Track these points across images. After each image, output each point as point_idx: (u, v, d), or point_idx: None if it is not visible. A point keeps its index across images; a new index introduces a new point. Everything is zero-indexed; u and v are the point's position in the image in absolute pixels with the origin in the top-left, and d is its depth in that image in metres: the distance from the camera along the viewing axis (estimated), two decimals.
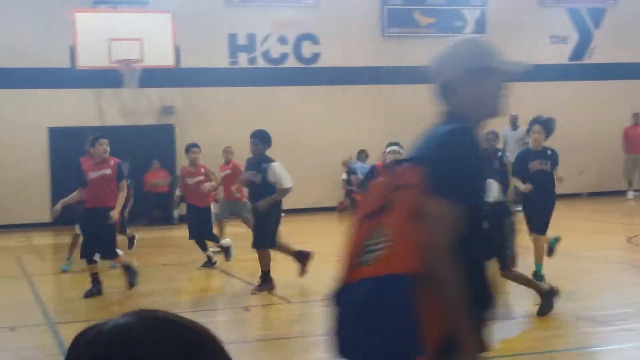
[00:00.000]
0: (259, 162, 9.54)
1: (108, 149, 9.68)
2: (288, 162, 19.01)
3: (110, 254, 9.64)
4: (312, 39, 20.96)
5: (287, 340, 7.44)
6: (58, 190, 16.40)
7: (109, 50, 17.47)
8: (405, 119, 20.86)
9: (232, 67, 20.40)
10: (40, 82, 18.86)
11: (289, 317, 8.47)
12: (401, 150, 9.11)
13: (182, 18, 18.46)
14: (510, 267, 7.79)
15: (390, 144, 9.78)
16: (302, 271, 9.74)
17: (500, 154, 9.69)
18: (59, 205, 10.22)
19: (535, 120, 9.50)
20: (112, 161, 9.72)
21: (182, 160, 19.67)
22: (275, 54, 20.77)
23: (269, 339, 7.50)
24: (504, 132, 18.69)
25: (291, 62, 20.88)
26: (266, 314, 8.71)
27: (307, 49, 20.97)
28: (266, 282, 9.37)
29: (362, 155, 20.58)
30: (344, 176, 20.51)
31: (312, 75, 20.89)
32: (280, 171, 9.49)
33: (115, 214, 9.37)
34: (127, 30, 17.67)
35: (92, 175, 9.56)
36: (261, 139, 9.61)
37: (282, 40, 20.78)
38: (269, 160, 9.56)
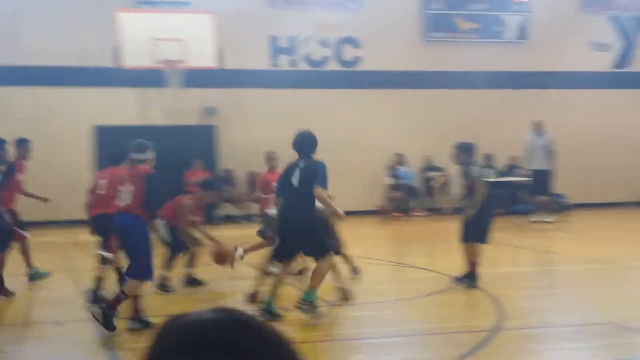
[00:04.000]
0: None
1: None
2: (330, 165, 19.12)
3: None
4: (354, 42, 21.00)
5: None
6: None
7: (153, 50, 17.65)
8: (445, 124, 20.86)
9: (273, 69, 20.51)
10: (86, 81, 19.11)
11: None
12: None
13: (224, 19, 18.59)
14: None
15: None
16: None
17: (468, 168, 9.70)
18: None
19: None
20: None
21: (223, 161, 19.83)
22: (316, 56, 20.84)
23: None
24: (527, 139, 18.54)
25: (332, 65, 20.94)
26: None
27: (348, 52, 21.01)
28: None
29: (401, 159, 20.59)
30: (388, 180, 20.50)
31: (353, 78, 20.94)
32: None
33: None
34: (169, 30, 17.86)
35: None
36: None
37: (324, 43, 20.84)
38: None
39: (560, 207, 19.60)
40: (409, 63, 21.24)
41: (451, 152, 10.22)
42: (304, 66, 20.78)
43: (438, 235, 16.84)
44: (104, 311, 7.47)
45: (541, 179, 18.01)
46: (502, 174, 21.18)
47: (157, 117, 19.53)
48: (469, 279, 9.80)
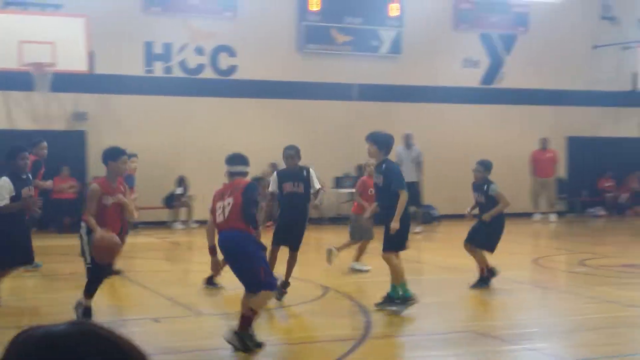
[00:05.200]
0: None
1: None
2: (203, 173, 18.97)
3: None
4: (229, 51, 20.91)
5: (198, 352, 7.36)
6: None
7: (20, 52, 17.05)
8: (320, 135, 21.04)
9: (147, 76, 20.17)
10: None
11: (198, 330, 8.37)
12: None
13: (97, 23, 18.17)
14: None
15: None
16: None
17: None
18: None
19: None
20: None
21: (93, 168, 19.32)
22: (191, 64, 20.63)
23: (179, 352, 7.40)
24: (397, 152, 19.05)
25: (208, 73, 20.78)
26: (176, 326, 8.59)
27: (224, 61, 20.90)
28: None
29: (275, 168, 20.59)
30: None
31: (228, 87, 20.84)
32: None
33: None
34: (39, 33, 17.29)
35: None
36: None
37: (199, 50, 20.66)
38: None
39: (428, 218, 20.06)
40: (285, 73, 21.32)
41: (473, 169, 11.05)
42: (179, 73, 20.53)
43: (310, 244, 16.90)
44: (237, 335, 7.07)
45: (410, 191, 18.37)
46: None
47: (23, 121, 18.87)
48: (484, 281, 10.53)
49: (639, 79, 22.93)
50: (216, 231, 7.35)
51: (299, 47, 21.45)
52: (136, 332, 7.76)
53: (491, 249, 10.74)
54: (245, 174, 7.59)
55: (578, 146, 23.92)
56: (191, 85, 20.48)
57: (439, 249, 16.35)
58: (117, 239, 8.04)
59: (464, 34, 22.88)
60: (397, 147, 19.56)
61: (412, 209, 18.95)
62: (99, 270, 8.21)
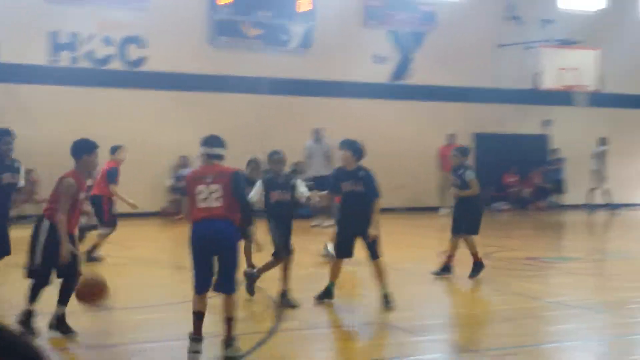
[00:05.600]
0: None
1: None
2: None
3: None
4: (139, 42, 20.61)
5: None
6: None
7: None
8: (230, 128, 20.91)
9: (52, 66, 19.70)
10: None
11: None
12: None
13: (1, 11, 17.65)
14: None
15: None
16: None
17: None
18: None
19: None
20: None
21: None
22: (99, 54, 20.25)
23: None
24: (307, 145, 19.41)
25: (116, 65, 20.43)
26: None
27: (133, 52, 20.58)
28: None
29: (185, 161, 20.43)
30: (171, 182, 20.35)
31: (137, 78, 20.54)
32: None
33: None
34: None
35: None
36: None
37: (107, 41, 20.29)
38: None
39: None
40: (196, 66, 21.14)
41: (451, 155, 11.54)
42: (86, 64, 20.12)
43: None
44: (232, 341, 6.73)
45: (323, 185, 18.54)
46: None
47: None
48: (477, 269, 11.13)
49: (541, 77, 23.59)
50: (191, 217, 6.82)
51: (210, 40, 21.30)
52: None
53: (475, 231, 11.41)
54: (223, 157, 7.00)
55: (484, 142, 24.48)
56: (99, 76, 20.11)
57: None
58: (101, 278, 7.43)
59: (373, 30, 23.12)
60: (307, 142, 19.77)
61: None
62: (47, 274, 7.44)
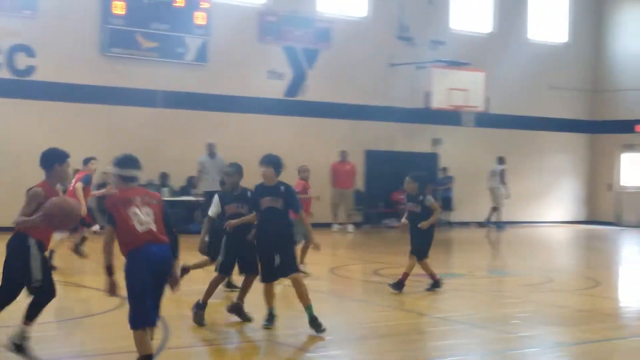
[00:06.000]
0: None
1: None
2: None
3: None
4: (28, 50, 20.11)
5: None
6: None
7: None
8: (123, 141, 20.61)
9: None
10: None
11: None
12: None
13: None
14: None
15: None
16: None
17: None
18: None
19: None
20: None
21: None
22: None
23: None
24: (200, 160, 19.41)
25: (3, 73, 19.88)
26: None
27: (22, 61, 20.07)
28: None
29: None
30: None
31: (25, 88, 20.03)
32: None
33: None
34: None
35: None
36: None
37: None
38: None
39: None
40: (87, 76, 20.78)
41: (406, 182, 11.62)
42: None
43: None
44: None
45: (209, 201, 18.61)
46: (176, 193, 21.42)
47: None
48: (435, 285, 11.84)
49: (431, 97, 24.20)
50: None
51: (103, 51, 20.97)
52: None
53: (424, 255, 11.74)
54: (139, 179, 6.55)
55: (375, 159, 24.90)
56: None
57: None
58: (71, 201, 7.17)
59: (268, 46, 23.24)
60: (200, 157, 19.68)
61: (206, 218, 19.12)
62: (50, 289, 7.06)
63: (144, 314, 6.12)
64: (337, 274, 14.10)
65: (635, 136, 27.65)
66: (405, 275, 11.61)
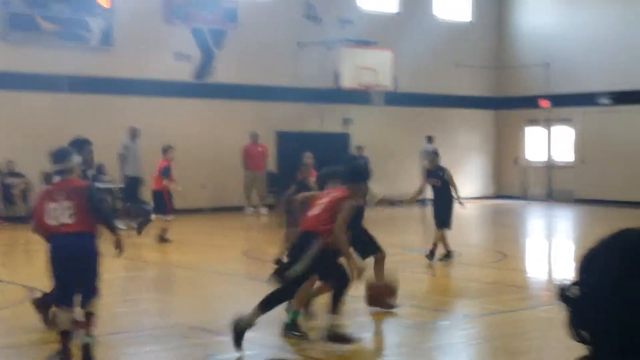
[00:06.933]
0: None
1: None
2: None
3: None
4: None
5: None
6: None
7: None
8: (28, 128, 20.12)
9: None
10: None
11: None
12: None
13: None
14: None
15: None
16: None
17: None
18: None
19: None
20: None
21: None
22: None
23: None
24: (124, 144, 19.10)
25: None
26: None
27: None
28: None
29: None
30: None
31: None
32: None
33: None
34: None
35: None
36: None
37: None
38: None
39: (144, 212, 19.85)
40: None
41: (426, 157, 12.84)
42: None
43: (17, 244, 16.22)
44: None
45: (132, 186, 18.55)
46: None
47: None
48: (448, 256, 12.74)
49: (340, 77, 24.29)
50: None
51: (3, 35, 20.34)
52: None
53: (447, 226, 12.71)
54: (74, 170, 7.01)
55: (286, 140, 24.88)
56: None
57: (152, 245, 16.06)
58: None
59: (175, 28, 22.93)
60: (124, 140, 19.27)
61: (128, 204, 18.88)
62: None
63: (59, 295, 6.91)
64: (250, 256, 14.10)
65: (539, 111, 28.38)
66: (436, 246, 12.68)
